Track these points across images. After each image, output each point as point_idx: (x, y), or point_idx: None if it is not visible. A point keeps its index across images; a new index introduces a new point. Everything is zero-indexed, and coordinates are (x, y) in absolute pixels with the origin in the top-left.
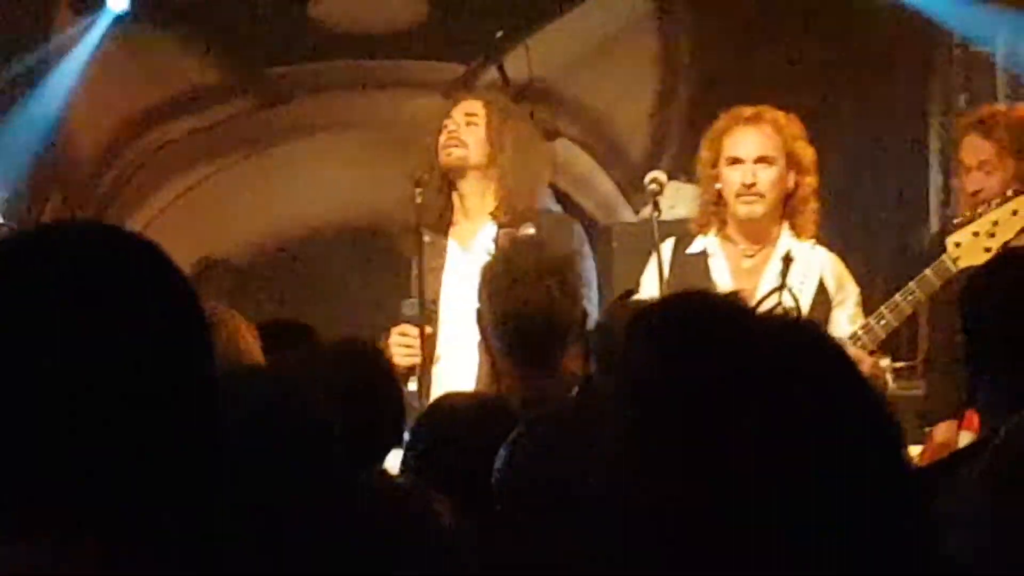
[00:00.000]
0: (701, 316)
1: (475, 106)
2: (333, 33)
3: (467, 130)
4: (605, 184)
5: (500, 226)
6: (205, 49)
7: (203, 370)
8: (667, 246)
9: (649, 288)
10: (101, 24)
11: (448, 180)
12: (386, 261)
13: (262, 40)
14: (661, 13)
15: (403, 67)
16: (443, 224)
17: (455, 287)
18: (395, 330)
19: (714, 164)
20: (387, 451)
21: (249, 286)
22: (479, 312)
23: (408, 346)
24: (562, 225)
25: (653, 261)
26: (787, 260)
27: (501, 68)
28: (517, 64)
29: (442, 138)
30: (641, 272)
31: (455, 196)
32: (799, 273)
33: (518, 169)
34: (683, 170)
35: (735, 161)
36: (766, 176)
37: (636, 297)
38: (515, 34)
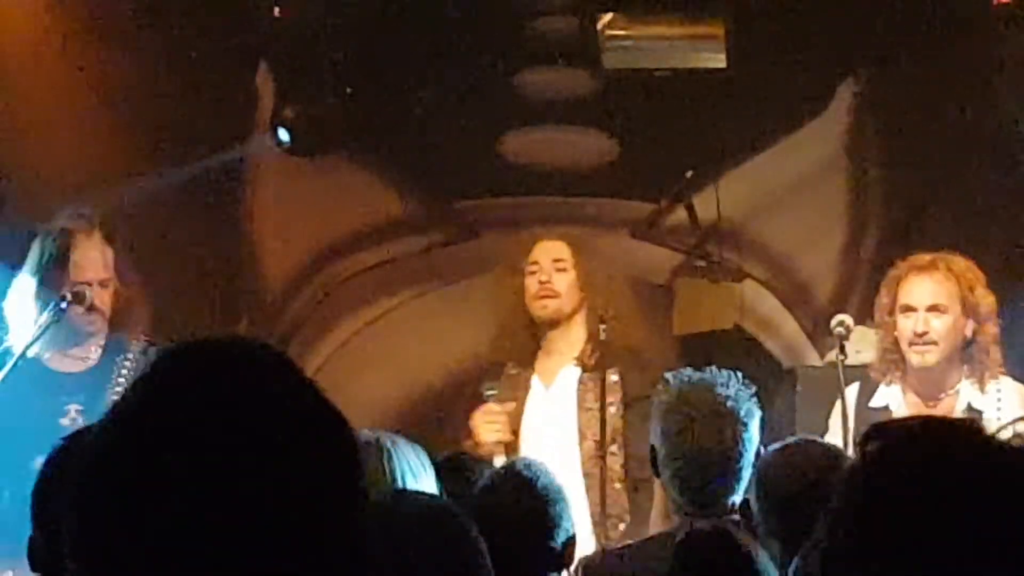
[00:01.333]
0: (952, 449)
1: (561, 249)
2: (522, 169)
3: (558, 277)
4: (790, 326)
5: (584, 369)
6: (396, 182)
7: (348, 495)
8: (851, 392)
9: (835, 434)
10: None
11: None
12: None
13: (451, 174)
14: (852, 156)
15: (592, 205)
16: (529, 357)
17: (535, 424)
18: (479, 409)
19: (891, 311)
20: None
21: (431, 416)
22: (652, 448)
23: (494, 423)
24: (646, 367)
25: (839, 407)
26: (970, 410)
27: (690, 208)
28: (706, 204)
29: (532, 285)
30: (824, 415)
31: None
32: (989, 422)
33: (608, 312)
34: (870, 314)
35: (908, 309)
36: (939, 324)
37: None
38: (705, 174)
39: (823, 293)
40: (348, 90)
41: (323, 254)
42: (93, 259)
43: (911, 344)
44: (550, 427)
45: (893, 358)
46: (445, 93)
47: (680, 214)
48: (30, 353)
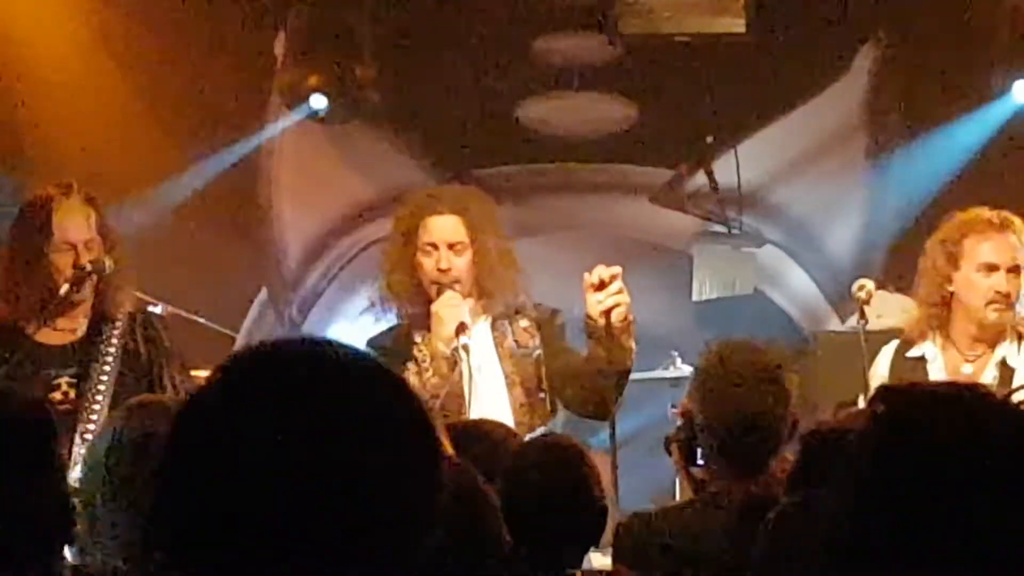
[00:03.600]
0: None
1: (457, 229)
2: (541, 136)
3: (456, 261)
4: (811, 292)
5: (496, 319)
6: (414, 150)
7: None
8: (889, 349)
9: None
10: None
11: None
12: None
13: (469, 142)
14: (873, 120)
15: (610, 171)
16: (424, 321)
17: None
18: (441, 298)
19: (949, 267)
20: (584, 550)
21: None
22: (688, 411)
23: (455, 306)
24: (551, 315)
25: (874, 366)
26: (1003, 366)
27: (710, 173)
28: (726, 170)
29: (429, 267)
30: (844, 380)
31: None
32: (1021, 379)
33: (501, 277)
34: (891, 279)
35: (990, 268)
36: (1015, 285)
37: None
38: (725, 140)
39: (844, 258)
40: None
41: (343, 223)
42: (76, 220)
43: (991, 303)
44: (475, 385)
45: (937, 313)
46: (464, 60)
47: (700, 180)
48: (19, 327)
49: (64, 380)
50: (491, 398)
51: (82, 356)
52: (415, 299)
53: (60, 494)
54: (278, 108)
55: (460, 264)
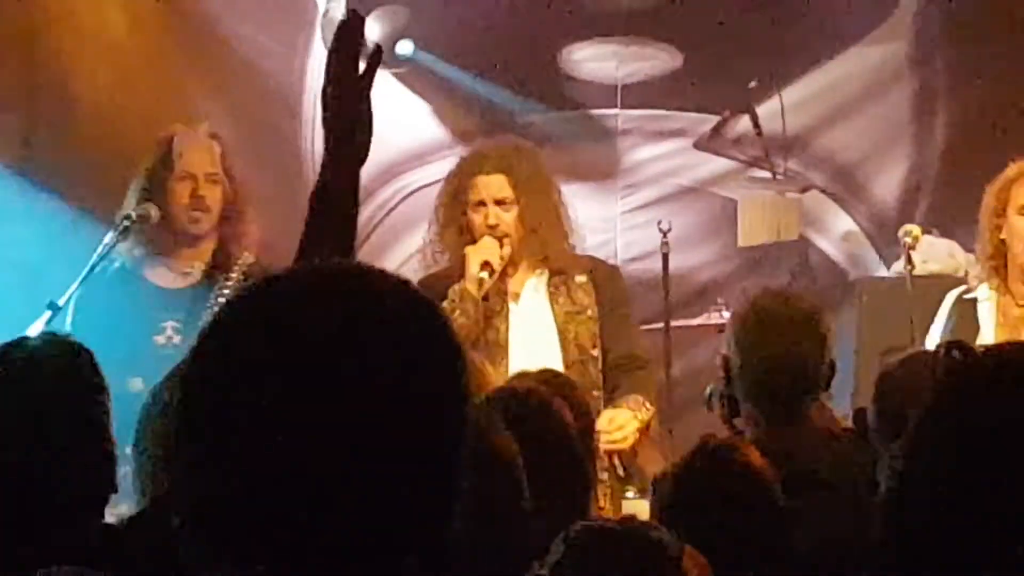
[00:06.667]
0: None
1: (503, 186)
2: (585, 82)
3: (505, 216)
4: (856, 237)
5: (552, 273)
6: (459, 95)
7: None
8: (955, 292)
9: (934, 337)
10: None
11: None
12: None
13: (513, 88)
14: (919, 64)
15: (655, 116)
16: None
17: (515, 340)
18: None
19: (999, 213)
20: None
21: None
22: (725, 360)
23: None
24: (614, 272)
25: (942, 310)
26: None
27: (754, 118)
28: (770, 115)
29: (480, 224)
30: (888, 326)
31: None
32: None
33: (552, 229)
34: (936, 224)
35: None
36: None
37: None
38: (769, 84)
39: (889, 203)
40: None
41: (386, 169)
42: (198, 151)
43: None
44: (526, 339)
45: (993, 263)
46: (508, 5)
47: (744, 125)
48: (128, 265)
49: (170, 324)
50: (540, 354)
51: (191, 303)
52: (463, 255)
53: (104, 444)
54: (319, 53)
55: (507, 219)
